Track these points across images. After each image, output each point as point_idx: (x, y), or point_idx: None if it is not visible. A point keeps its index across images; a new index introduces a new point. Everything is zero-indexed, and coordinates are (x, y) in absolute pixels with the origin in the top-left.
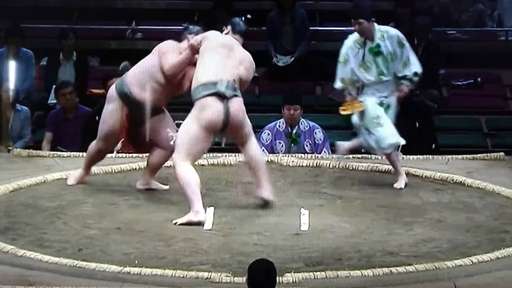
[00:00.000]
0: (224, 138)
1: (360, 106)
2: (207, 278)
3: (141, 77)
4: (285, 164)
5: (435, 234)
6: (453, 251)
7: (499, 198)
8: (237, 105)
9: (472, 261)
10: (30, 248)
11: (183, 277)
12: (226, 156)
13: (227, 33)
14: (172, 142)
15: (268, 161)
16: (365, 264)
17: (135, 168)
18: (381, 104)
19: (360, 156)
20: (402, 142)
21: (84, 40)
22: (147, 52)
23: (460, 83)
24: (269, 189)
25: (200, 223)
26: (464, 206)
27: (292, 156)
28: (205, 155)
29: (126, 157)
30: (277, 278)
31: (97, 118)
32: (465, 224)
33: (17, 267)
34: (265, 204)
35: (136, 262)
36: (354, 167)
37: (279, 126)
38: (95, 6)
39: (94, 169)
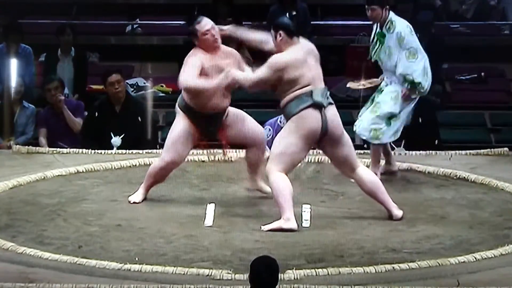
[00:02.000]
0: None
1: (374, 81)
2: (208, 275)
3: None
4: None
5: (438, 230)
6: (457, 247)
7: (503, 194)
8: (333, 113)
9: (475, 258)
10: (30, 245)
11: (184, 274)
12: (232, 152)
13: (281, 39)
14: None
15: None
16: (367, 261)
17: (135, 165)
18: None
19: (362, 152)
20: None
21: (84, 35)
22: (147, 47)
23: (463, 77)
24: (396, 206)
25: (291, 230)
26: (467, 202)
27: None
28: (205, 151)
29: (125, 153)
30: (279, 275)
31: (97, 114)
32: (468, 220)
33: (17, 264)
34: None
35: (137, 259)
36: None
37: (280, 122)
38: (95, 1)
39: (95, 165)
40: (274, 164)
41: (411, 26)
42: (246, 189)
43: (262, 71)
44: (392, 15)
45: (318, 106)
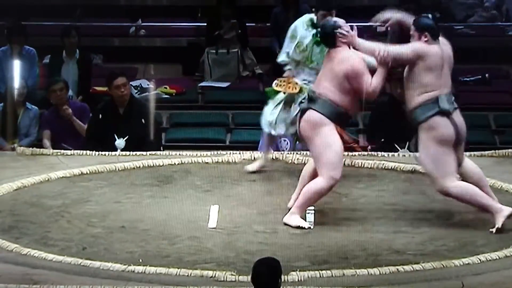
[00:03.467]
0: None
1: (295, 87)
2: (211, 276)
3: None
4: (290, 161)
5: (443, 232)
6: (461, 249)
7: (508, 195)
8: (460, 118)
9: (480, 260)
10: (34, 246)
11: (187, 275)
12: (230, 154)
13: (426, 41)
14: None
15: (273, 158)
16: (371, 263)
17: (139, 167)
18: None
19: (366, 153)
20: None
21: (87, 37)
22: (150, 49)
23: (468, 79)
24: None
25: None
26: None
27: (297, 153)
28: (209, 153)
29: (129, 155)
30: (283, 276)
31: (100, 116)
32: (473, 222)
33: (21, 265)
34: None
35: (140, 260)
36: (360, 165)
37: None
38: (98, 4)
39: (98, 167)
40: (442, 178)
41: None
42: (250, 190)
43: (404, 48)
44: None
45: (445, 113)
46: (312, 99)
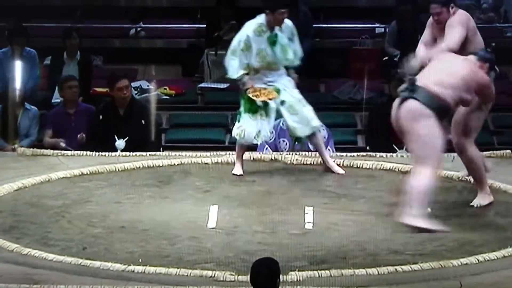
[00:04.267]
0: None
1: (273, 94)
2: (211, 276)
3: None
4: (289, 162)
5: (441, 232)
6: (459, 249)
7: (506, 196)
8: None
9: (478, 260)
10: (35, 246)
11: (187, 275)
12: (230, 154)
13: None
14: None
15: (271, 159)
16: (370, 263)
17: (139, 167)
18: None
19: (364, 154)
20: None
21: (88, 38)
22: (150, 50)
23: None
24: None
25: None
26: (470, 204)
27: (296, 154)
28: (208, 153)
29: (129, 156)
30: (282, 276)
31: (101, 117)
32: (471, 222)
33: (22, 265)
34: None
35: (140, 260)
36: (358, 165)
37: (283, 125)
38: (99, 5)
39: (99, 167)
40: (467, 141)
41: None
42: (249, 191)
43: (451, 33)
44: None
45: None
46: (413, 89)
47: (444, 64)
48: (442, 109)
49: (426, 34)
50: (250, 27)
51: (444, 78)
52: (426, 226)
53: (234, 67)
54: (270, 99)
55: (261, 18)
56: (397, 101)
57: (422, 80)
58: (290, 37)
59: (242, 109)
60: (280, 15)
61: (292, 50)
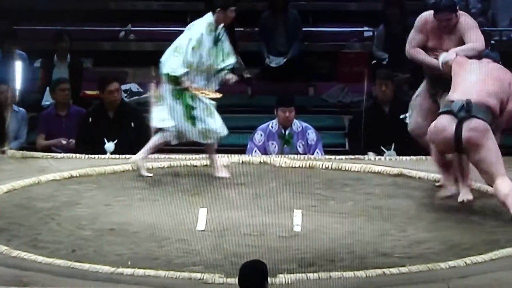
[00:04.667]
0: None
1: (216, 94)
2: (200, 279)
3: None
4: (277, 165)
5: (429, 235)
6: (447, 252)
7: (494, 199)
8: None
9: (466, 262)
10: (25, 249)
11: (176, 278)
12: (219, 157)
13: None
14: None
15: (260, 162)
16: (358, 265)
17: (128, 170)
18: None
19: (353, 157)
20: (226, 132)
21: (77, 41)
22: (140, 53)
23: None
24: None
25: None
26: (458, 207)
27: (285, 157)
28: (197, 156)
29: (119, 158)
30: (270, 279)
31: (90, 119)
32: (459, 225)
33: (11, 267)
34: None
35: (129, 263)
36: (347, 168)
37: (272, 127)
38: (88, 8)
39: (88, 170)
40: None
41: None
42: (239, 193)
43: (475, 34)
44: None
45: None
46: (469, 108)
47: (482, 71)
48: (495, 120)
49: (419, 39)
50: (202, 26)
51: (489, 88)
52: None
53: (177, 64)
54: (217, 97)
55: (209, 17)
56: (450, 119)
57: (468, 92)
58: (225, 37)
59: (183, 108)
60: (231, 13)
61: (229, 51)
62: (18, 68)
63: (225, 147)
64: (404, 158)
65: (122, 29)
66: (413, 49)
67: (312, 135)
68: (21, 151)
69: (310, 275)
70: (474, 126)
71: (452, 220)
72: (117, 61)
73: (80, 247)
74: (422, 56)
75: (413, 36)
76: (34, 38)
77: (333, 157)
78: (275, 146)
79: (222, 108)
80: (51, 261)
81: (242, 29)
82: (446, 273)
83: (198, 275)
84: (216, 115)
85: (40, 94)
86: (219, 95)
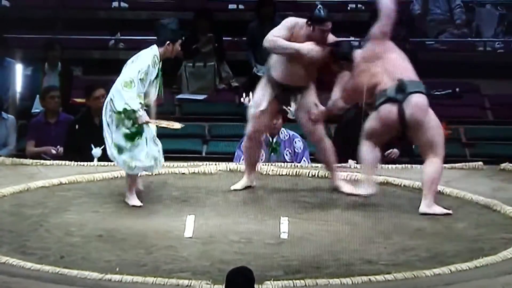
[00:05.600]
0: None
1: (178, 125)
2: (187, 285)
3: None
4: (264, 173)
5: (414, 243)
6: (432, 260)
7: (478, 207)
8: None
9: (450, 270)
10: (13, 255)
11: (163, 284)
12: (206, 164)
13: None
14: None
15: None
16: (344, 273)
17: (117, 177)
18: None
19: (338, 165)
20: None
21: (67, 50)
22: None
23: (438, 93)
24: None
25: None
26: (442, 215)
27: (271, 165)
28: (185, 164)
29: (108, 165)
30: (257, 286)
31: (77, 126)
32: (443, 233)
33: (0, 274)
34: None
35: (117, 269)
36: None
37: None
38: (79, 17)
39: (77, 177)
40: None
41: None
42: (226, 201)
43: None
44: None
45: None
46: (404, 87)
47: (392, 54)
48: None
49: (284, 35)
50: (148, 58)
51: (408, 65)
52: (442, 212)
53: (133, 97)
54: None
55: (155, 50)
56: (391, 105)
57: (395, 75)
58: (160, 75)
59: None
60: (179, 46)
61: (160, 90)
62: (8, 75)
63: (213, 155)
64: (389, 166)
65: (112, 38)
66: (275, 37)
67: (299, 143)
68: (10, 158)
69: (297, 282)
70: (415, 103)
71: (436, 228)
72: (107, 70)
73: (68, 254)
74: (285, 42)
75: (279, 32)
76: (25, 46)
77: (319, 165)
78: (262, 154)
79: (210, 116)
80: (39, 267)
81: (230, 38)
82: (431, 281)
83: (186, 282)
84: (150, 146)
85: (30, 102)
86: (180, 126)
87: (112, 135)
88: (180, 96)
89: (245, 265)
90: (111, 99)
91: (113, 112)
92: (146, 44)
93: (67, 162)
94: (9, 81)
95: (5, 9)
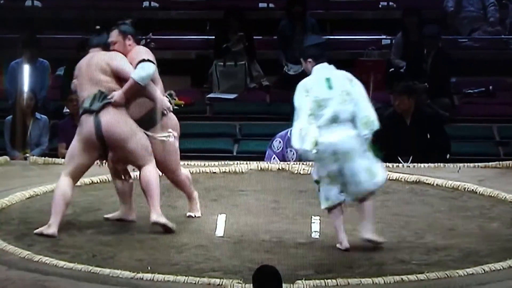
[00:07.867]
0: None
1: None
2: (218, 284)
3: None
4: (296, 172)
5: (447, 242)
6: (465, 259)
7: (511, 206)
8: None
9: (484, 270)
10: (46, 253)
11: (195, 283)
12: (237, 164)
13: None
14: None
15: (279, 169)
16: (376, 272)
17: None
18: None
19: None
20: None
21: None
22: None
23: (471, 91)
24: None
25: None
26: (475, 214)
27: (303, 164)
28: (216, 163)
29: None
30: (289, 285)
31: None
32: (476, 232)
33: (33, 272)
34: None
35: (149, 268)
36: None
37: (290, 134)
38: (109, 18)
39: (109, 176)
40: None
41: None
42: (256, 200)
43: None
44: None
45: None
46: (105, 97)
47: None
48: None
49: None
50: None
51: (96, 76)
52: (165, 223)
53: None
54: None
55: None
56: (87, 117)
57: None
58: None
59: None
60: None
61: None
62: (41, 76)
63: (243, 154)
64: (422, 165)
65: (143, 38)
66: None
67: None
68: (42, 158)
69: (328, 281)
70: (114, 116)
71: (469, 228)
72: None
73: (100, 252)
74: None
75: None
76: (57, 46)
77: None
78: (293, 153)
79: (241, 115)
80: (71, 266)
81: (261, 37)
82: (464, 281)
83: (217, 281)
84: None
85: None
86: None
87: None
88: (211, 95)
89: (276, 264)
90: None
91: None
92: (177, 44)
93: (98, 162)
94: (43, 81)
95: (37, 10)
